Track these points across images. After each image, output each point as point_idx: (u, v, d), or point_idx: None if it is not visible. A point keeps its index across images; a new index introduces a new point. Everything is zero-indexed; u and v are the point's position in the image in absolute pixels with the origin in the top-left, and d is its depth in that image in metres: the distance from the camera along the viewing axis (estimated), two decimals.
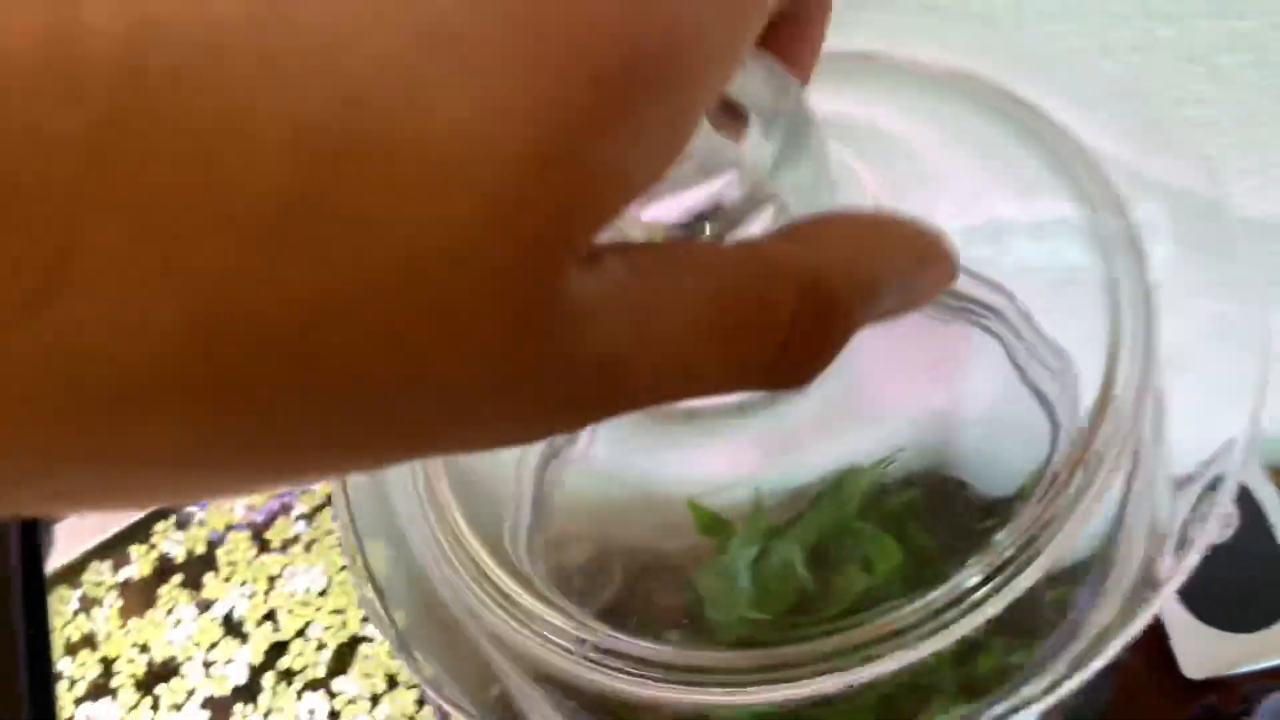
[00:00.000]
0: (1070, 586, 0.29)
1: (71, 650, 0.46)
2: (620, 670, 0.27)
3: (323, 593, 0.44)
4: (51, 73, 0.09)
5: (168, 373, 0.10)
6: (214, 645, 0.44)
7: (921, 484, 0.30)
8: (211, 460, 0.11)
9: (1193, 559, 0.26)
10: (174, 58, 0.09)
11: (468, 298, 0.11)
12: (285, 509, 0.47)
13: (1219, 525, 0.46)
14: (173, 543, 0.48)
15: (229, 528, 0.47)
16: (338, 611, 0.43)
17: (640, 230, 0.17)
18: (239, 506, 0.48)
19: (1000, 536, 0.28)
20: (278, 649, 0.43)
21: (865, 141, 0.28)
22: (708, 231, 0.17)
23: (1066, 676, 0.27)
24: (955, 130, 0.29)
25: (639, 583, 0.31)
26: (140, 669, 0.45)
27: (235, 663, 0.43)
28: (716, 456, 0.29)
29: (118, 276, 0.09)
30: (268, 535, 0.47)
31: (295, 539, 0.46)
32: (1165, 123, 0.27)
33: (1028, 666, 0.29)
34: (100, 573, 0.48)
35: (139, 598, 0.47)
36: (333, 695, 0.41)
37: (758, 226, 0.17)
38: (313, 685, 0.42)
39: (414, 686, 0.40)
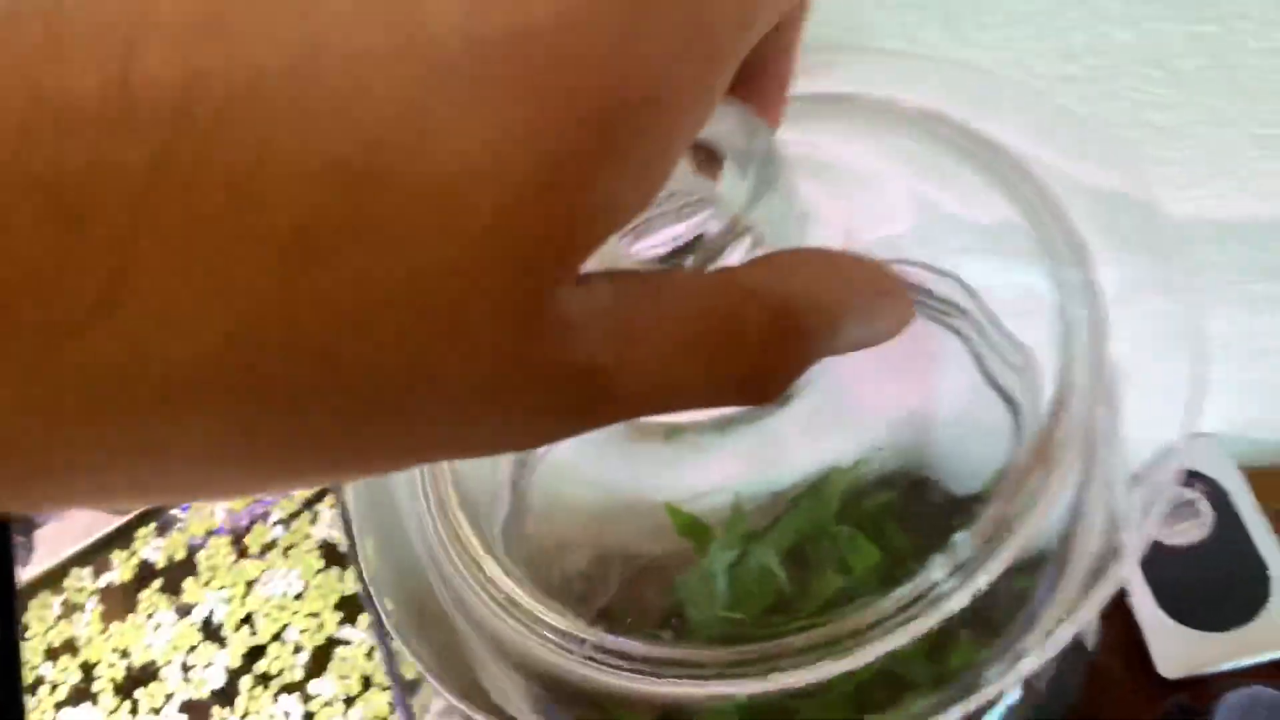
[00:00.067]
0: (1032, 580, 0.29)
1: (52, 655, 0.46)
2: (615, 667, 0.28)
3: (299, 596, 0.44)
4: (114, 114, 0.11)
5: (211, 374, 0.11)
6: (193, 649, 0.44)
7: (897, 485, 0.30)
8: (248, 455, 0.12)
9: (1139, 552, 0.27)
10: (219, 102, 0.11)
11: (472, 310, 0.12)
12: (264, 515, 0.48)
13: (1161, 522, 0.46)
14: (153, 549, 0.48)
15: (209, 533, 0.48)
16: (314, 615, 0.43)
17: (630, 264, 0.19)
18: (219, 512, 0.48)
19: (960, 537, 0.29)
20: (255, 652, 0.44)
21: (840, 174, 0.30)
22: (690, 263, 0.19)
23: (1020, 663, 0.28)
24: (921, 164, 0.31)
25: (627, 585, 0.32)
26: (120, 673, 0.45)
27: (213, 666, 0.43)
28: (698, 470, 0.30)
29: (168, 290, 0.11)
30: (246, 541, 0.47)
31: (273, 544, 0.46)
32: (1108, 140, 0.29)
33: (991, 657, 0.29)
34: (81, 578, 0.48)
35: (120, 603, 0.47)
36: (308, 698, 0.41)
37: (735, 258, 0.19)
38: (289, 688, 0.42)
39: (387, 689, 0.40)
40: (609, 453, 0.30)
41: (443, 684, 0.31)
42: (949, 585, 0.28)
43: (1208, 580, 0.53)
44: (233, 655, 0.44)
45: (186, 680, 0.44)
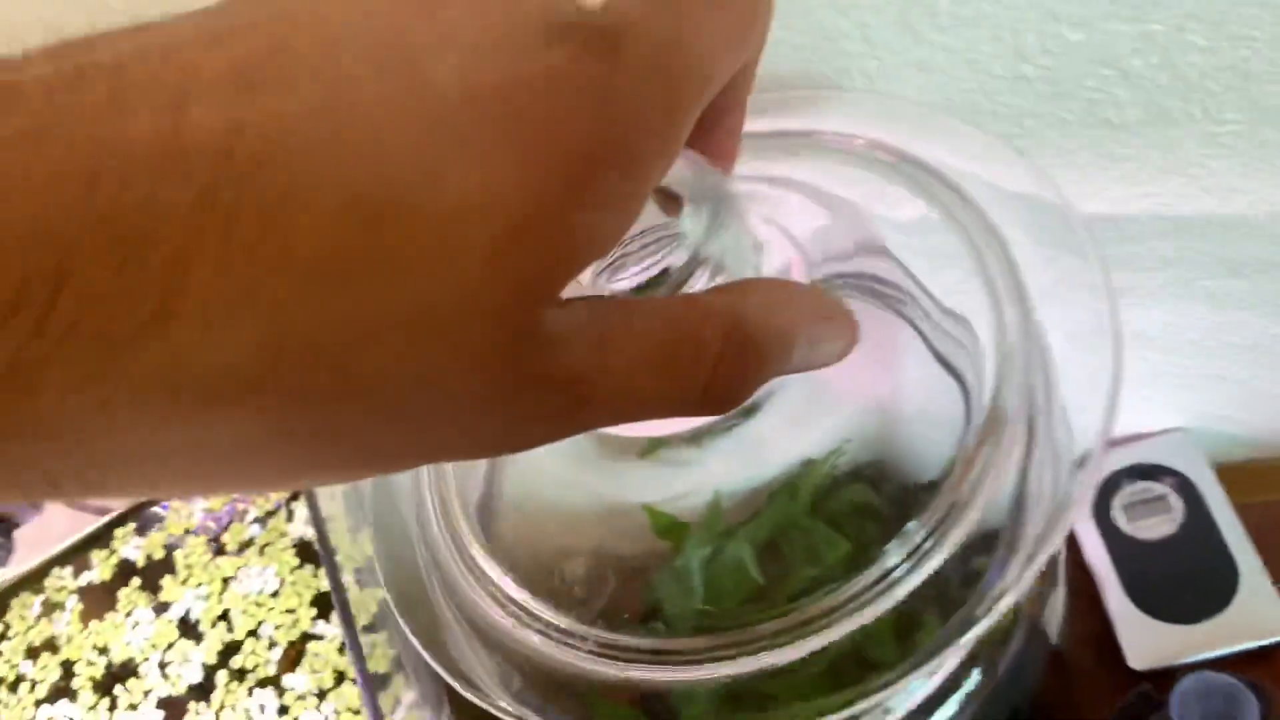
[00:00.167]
0: (987, 559, 0.30)
1: (33, 654, 0.47)
2: (600, 655, 0.30)
3: (275, 593, 0.45)
4: (166, 159, 0.12)
5: (244, 379, 0.13)
6: (170, 646, 0.45)
7: (864, 476, 0.31)
8: (275, 452, 0.14)
9: (1066, 529, 0.28)
10: (254, 148, 0.13)
11: (472, 328, 0.14)
12: (241, 514, 0.48)
13: (1127, 515, 0.47)
14: (133, 548, 0.49)
15: (188, 532, 0.48)
16: (289, 611, 0.44)
17: (607, 293, 0.21)
18: (197, 511, 0.49)
19: (912, 525, 0.30)
20: (231, 648, 0.44)
21: (803, 200, 0.33)
22: (659, 293, 0.21)
23: (967, 632, 0.29)
24: (869, 188, 0.34)
25: (605, 580, 0.33)
26: (99, 671, 0.45)
27: (191, 663, 0.44)
28: (677, 478, 0.31)
29: (210, 308, 0.13)
30: (224, 539, 0.48)
31: (250, 542, 0.47)
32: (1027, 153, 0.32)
33: (943, 632, 0.30)
34: (62, 578, 0.49)
35: (99, 601, 0.48)
36: (282, 692, 0.42)
37: (698, 286, 0.21)
38: (264, 682, 0.43)
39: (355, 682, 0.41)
40: (585, 466, 0.32)
41: (429, 653, 0.32)
42: (904, 569, 0.29)
43: (1177, 573, 0.53)
44: (209, 651, 0.44)
45: (164, 676, 0.44)
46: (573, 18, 0.15)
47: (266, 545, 0.46)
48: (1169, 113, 0.39)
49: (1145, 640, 0.52)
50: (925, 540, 0.29)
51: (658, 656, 0.30)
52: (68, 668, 0.46)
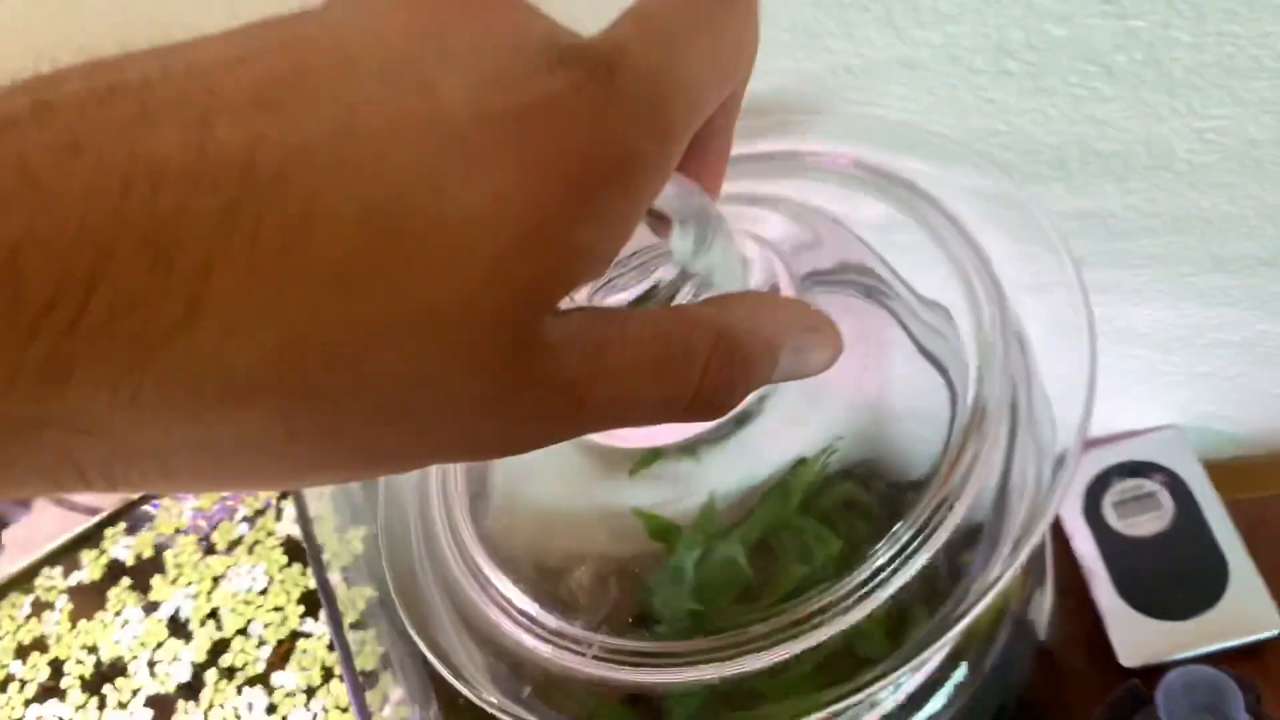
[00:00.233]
0: (972, 554, 0.30)
1: (22, 654, 0.47)
2: (590, 656, 0.31)
3: (264, 591, 0.45)
4: (194, 171, 0.13)
5: (263, 378, 0.14)
6: (160, 645, 0.45)
7: (855, 474, 0.31)
8: (290, 448, 0.15)
9: (1049, 520, 0.28)
10: (275, 162, 0.14)
11: (476, 334, 0.15)
12: (230, 512, 0.48)
13: (1116, 512, 0.47)
14: (123, 548, 0.49)
15: (178, 531, 0.48)
16: (278, 609, 0.44)
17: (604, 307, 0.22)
18: (187, 511, 0.49)
19: (900, 526, 0.30)
20: (220, 647, 0.44)
21: (792, 215, 0.34)
22: (650, 306, 0.22)
23: (952, 628, 0.29)
24: (847, 201, 0.35)
25: (604, 586, 0.33)
26: (88, 670, 0.45)
27: (180, 661, 0.44)
28: (671, 488, 0.31)
29: (234, 311, 0.13)
30: (214, 538, 0.48)
31: (239, 540, 0.47)
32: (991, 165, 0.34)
33: (930, 629, 0.30)
34: (52, 578, 0.49)
35: (89, 601, 0.48)
36: (271, 690, 0.42)
37: (687, 300, 0.22)
38: (252, 681, 0.43)
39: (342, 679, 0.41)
40: (580, 476, 0.32)
41: (422, 642, 0.33)
42: (893, 567, 0.29)
43: (1168, 570, 0.53)
44: (198, 650, 0.44)
45: (153, 675, 0.44)
46: (573, 48, 0.16)
47: (255, 544, 0.46)
48: (1154, 109, 0.39)
49: (1136, 637, 0.52)
50: (914, 537, 0.30)
51: (653, 659, 0.31)
52: (57, 667, 0.46)
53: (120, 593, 0.47)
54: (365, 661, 0.41)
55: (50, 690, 0.45)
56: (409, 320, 0.14)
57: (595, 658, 0.31)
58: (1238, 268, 0.47)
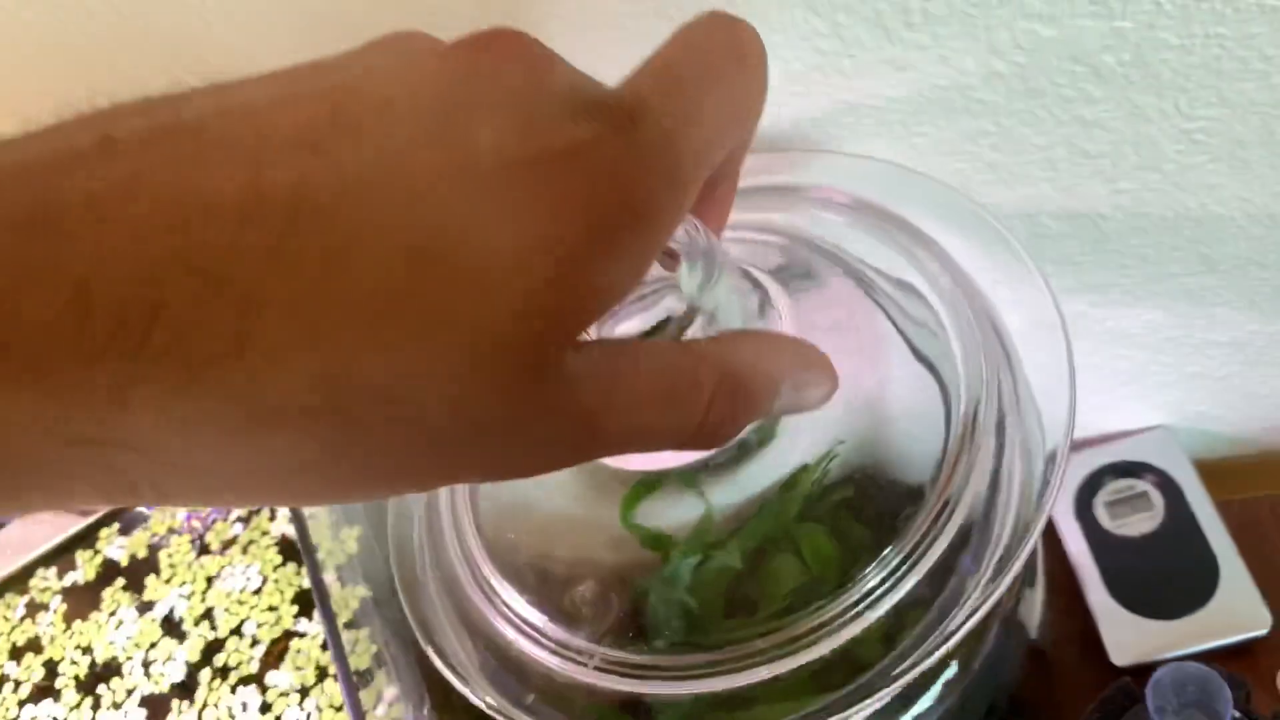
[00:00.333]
0: (963, 552, 0.31)
1: (16, 655, 0.47)
2: (590, 667, 0.32)
3: (258, 591, 0.45)
4: (245, 209, 0.14)
5: (303, 402, 0.15)
6: (154, 645, 0.45)
7: (854, 479, 0.31)
8: (328, 468, 0.16)
9: (1042, 524, 0.28)
10: (320, 201, 0.15)
11: (501, 364, 0.16)
12: (224, 512, 0.48)
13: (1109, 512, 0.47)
14: (117, 548, 0.49)
15: (171, 531, 0.48)
16: (272, 609, 0.44)
17: (618, 336, 0.24)
18: (181, 512, 0.49)
19: (898, 540, 0.30)
20: (214, 646, 0.44)
21: (782, 243, 0.36)
22: (661, 338, 0.24)
23: (954, 633, 0.29)
24: (842, 236, 0.36)
25: (605, 596, 0.33)
26: (83, 670, 0.45)
27: (174, 661, 0.44)
28: (672, 510, 0.31)
29: (279, 339, 0.14)
30: (208, 538, 0.48)
31: (233, 540, 0.47)
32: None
33: (923, 628, 0.30)
34: (46, 579, 0.49)
35: (83, 601, 0.48)
36: (265, 689, 0.42)
37: (695, 334, 0.24)
38: (246, 680, 0.43)
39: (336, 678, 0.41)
40: (582, 495, 0.32)
41: (425, 643, 0.34)
42: (893, 580, 0.29)
43: (1159, 570, 0.54)
44: (192, 650, 0.44)
45: (148, 675, 0.44)
46: (596, 99, 0.17)
47: (250, 543, 0.46)
48: (1142, 110, 0.39)
49: (1127, 636, 0.52)
50: (914, 548, 0.30)
51: (653, 671, 0.31)
52: (51, 667, 0.46)
53: (114, 593, 0.47)
54: (359, 661, 0.41)
55: (45, 690, 0.45)
56: (439, 352, 0.15)
57: (597, 669, 0.31)
58: (1227, 267, 0.47)
